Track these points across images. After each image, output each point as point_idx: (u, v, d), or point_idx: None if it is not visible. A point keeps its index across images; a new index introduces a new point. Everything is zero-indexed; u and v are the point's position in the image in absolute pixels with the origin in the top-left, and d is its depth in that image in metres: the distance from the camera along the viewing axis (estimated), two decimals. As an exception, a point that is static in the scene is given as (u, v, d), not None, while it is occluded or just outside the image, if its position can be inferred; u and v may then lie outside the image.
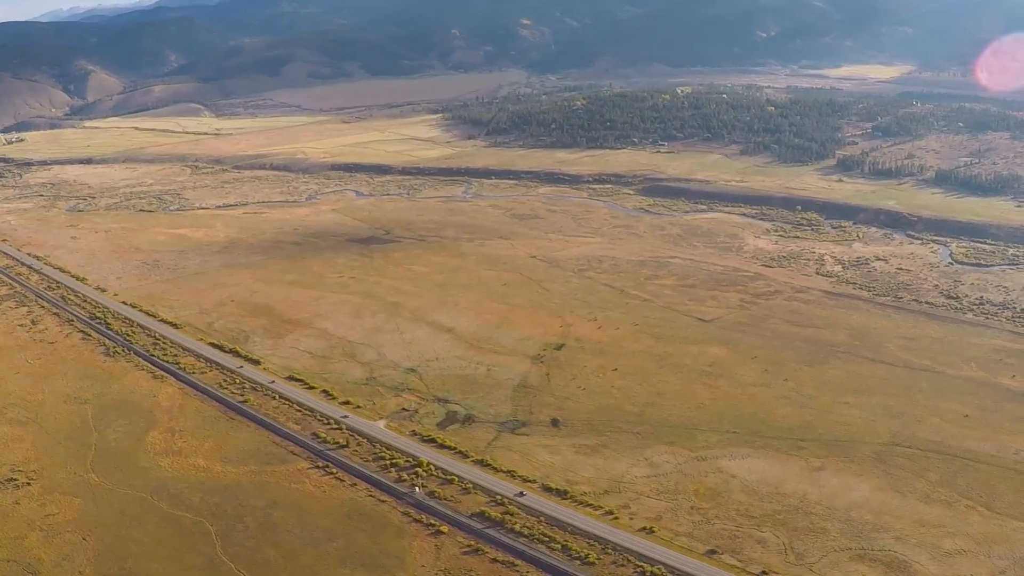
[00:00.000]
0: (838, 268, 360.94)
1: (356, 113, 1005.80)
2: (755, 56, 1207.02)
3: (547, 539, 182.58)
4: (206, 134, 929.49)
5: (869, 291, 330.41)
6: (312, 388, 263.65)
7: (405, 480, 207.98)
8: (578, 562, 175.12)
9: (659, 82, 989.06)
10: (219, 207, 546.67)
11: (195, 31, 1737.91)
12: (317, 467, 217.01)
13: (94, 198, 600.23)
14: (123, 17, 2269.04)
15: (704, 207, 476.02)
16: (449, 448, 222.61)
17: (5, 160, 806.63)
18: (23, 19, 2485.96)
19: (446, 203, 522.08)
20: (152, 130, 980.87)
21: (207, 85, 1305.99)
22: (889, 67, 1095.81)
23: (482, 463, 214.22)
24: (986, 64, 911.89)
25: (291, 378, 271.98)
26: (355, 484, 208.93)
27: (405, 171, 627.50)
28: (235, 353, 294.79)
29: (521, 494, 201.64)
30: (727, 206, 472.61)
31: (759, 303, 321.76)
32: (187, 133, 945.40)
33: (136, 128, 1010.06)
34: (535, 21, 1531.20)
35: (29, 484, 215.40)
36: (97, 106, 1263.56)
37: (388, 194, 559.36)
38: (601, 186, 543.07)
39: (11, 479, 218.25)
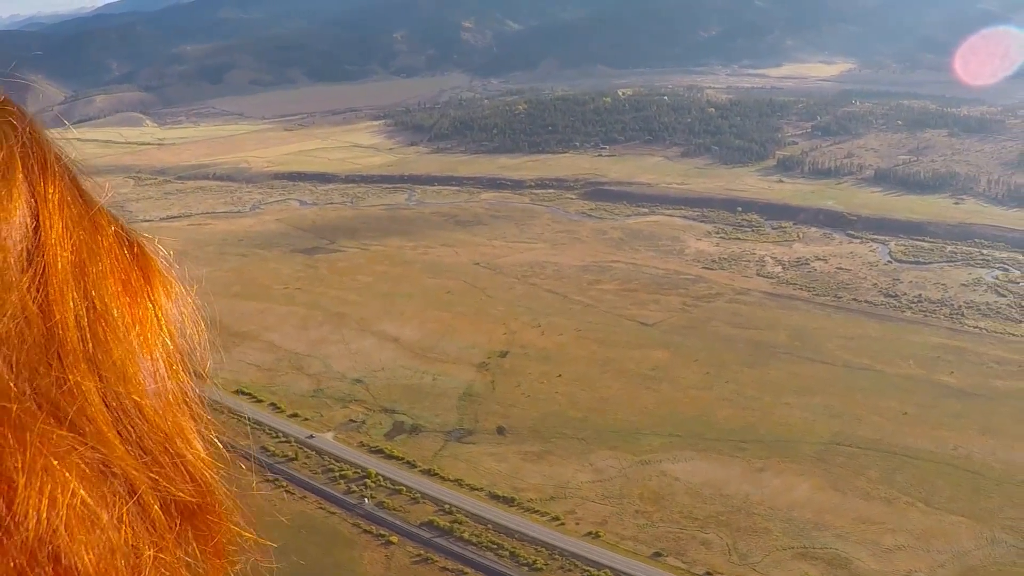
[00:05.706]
0: (779, 269, 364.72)
1: (299, 120, 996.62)
2: (697, 56, 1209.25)
3: (495, 546, 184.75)
4: (149, 144, 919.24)
5: (809, 291, 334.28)
6: (260, 401, 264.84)
7: (354, 491, 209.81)
8: (526, 568, 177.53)
9: (602, 84, 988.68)
10: (163, 219, 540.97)
11: (137, 38, 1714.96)
12: (267, 480, 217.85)
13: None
14: (64, 25, 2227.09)
15: (646, 210, 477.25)
16: (397, 458, 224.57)
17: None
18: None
19: (389, 211, 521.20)
20: (94, 141, 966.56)
21: (149, 94, 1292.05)
22: (830, 65, 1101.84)
23: (430, 472, 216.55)
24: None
25: (239, 392, 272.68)
26: (305, 497, 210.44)
27: (348, 179, 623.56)
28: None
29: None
30: (669, 209, 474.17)
31: (701, 306, 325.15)
32: (130, 143, 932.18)
33: (78, 139, 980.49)
34: (477, 24, 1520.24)
35: None
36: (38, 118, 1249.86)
37: (332, 203, 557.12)
38: (543, 191, 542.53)
39: None
